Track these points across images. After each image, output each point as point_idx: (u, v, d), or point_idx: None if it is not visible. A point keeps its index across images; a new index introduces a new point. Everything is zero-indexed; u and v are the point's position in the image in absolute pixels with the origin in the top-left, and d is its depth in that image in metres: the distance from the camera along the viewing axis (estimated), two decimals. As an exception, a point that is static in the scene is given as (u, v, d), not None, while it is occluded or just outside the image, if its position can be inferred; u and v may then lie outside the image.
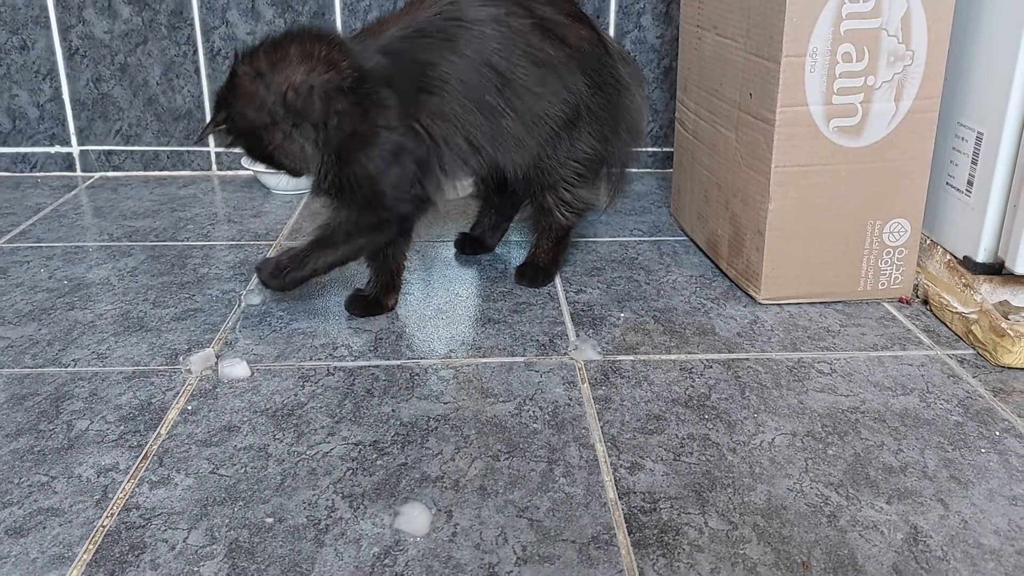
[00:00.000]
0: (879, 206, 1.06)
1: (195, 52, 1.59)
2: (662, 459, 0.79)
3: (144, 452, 0.80)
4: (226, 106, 0.95)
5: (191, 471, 0.77)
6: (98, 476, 0.76)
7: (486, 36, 1.00)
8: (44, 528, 0.70)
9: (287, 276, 1.00)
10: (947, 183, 1.09)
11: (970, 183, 1.05)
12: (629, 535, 0.69)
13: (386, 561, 0.66)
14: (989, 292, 1.02)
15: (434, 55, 0.99)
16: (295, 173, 0.99)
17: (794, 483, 0.75)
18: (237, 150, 1.02)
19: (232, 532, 0.69)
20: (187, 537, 0.69)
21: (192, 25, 1.58)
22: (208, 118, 1.63)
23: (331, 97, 0.93)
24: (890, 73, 1.00)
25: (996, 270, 1.02)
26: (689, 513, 0.71)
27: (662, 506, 0.72)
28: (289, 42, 0.95)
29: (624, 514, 0.71)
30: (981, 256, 1.03)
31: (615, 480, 0.76)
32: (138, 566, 0.66)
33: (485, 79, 1.00)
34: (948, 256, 1.09)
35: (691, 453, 0.79)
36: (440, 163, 1.01)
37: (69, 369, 0.94)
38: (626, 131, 1.16)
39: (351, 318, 1.06)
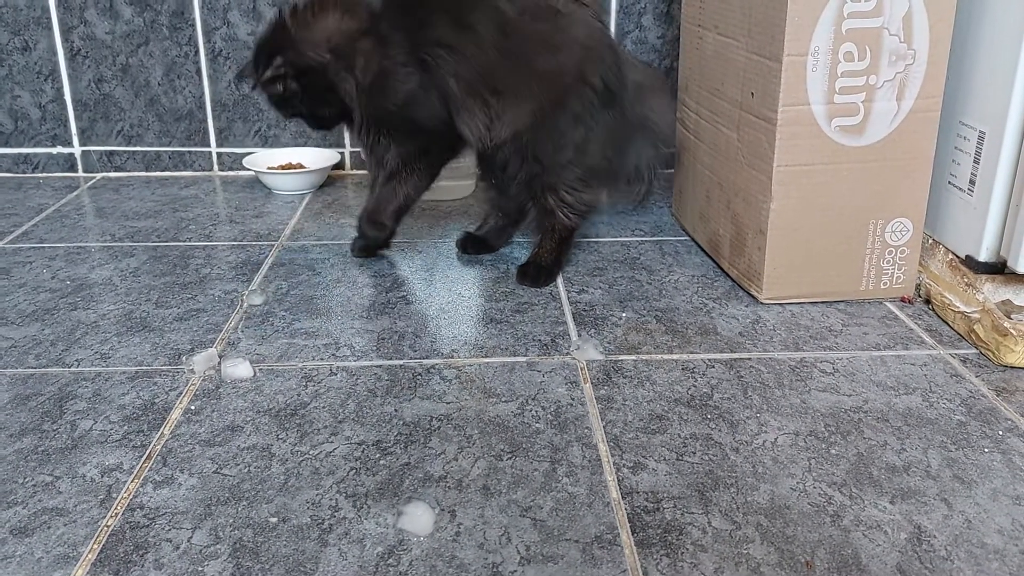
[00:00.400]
0: (881, 205, 1.06)
1: (196, 53, 1.59)
2: (665, 459, 0.79)
3: (148, 452, 0.80)
4: (280, 52, 1.04)
5: (195, 471, 0.77)
6: (102, 476, 0.76)
7: None
8: (49, 528, 0.70)
9: (384, 220, 1.15)
10: (949, 182, 1.09)
11: (972, 182, 1.05)
12: (632, 535, 0.69)
13: (390, 561, 0.66)
14: (991, 291, 1.02)
15: None
16: (336, 119, 1.11)
17: (797, 483, 0.75)
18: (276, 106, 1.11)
19: (236, 532, 0.69)
20: (191, 537, 0.69)
21: (193, 26, 1.58)
22: (210, 117, 1.63)
23: (356, 40, 1.04)
24: (892, 72, 1.00)
25: (998, 269, 1.02)
26: (692, 513, 0.71)
27: (665, 506, 0.72)
28: (324, 3, 1.07)
29: (627, 514, 0.71)
30: (983, 255, 1.03)
31: (618, 480, 0.76)
32: (142, 566, 0.66)
33: (483, 18, 1.05)
34: (950, 255, 1.09)
35: (694, 453, 0.80)
36: (454, 94, 1.06)
37: (72, 369, 0.94)
38: (647, 136, 1.18)
39: (353, 318, 1.06)
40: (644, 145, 1.19)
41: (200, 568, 0.65)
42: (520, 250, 1.28)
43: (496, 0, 1.05)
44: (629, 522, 0.70)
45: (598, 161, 1.13)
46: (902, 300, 1.11)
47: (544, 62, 1.06)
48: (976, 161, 1.04)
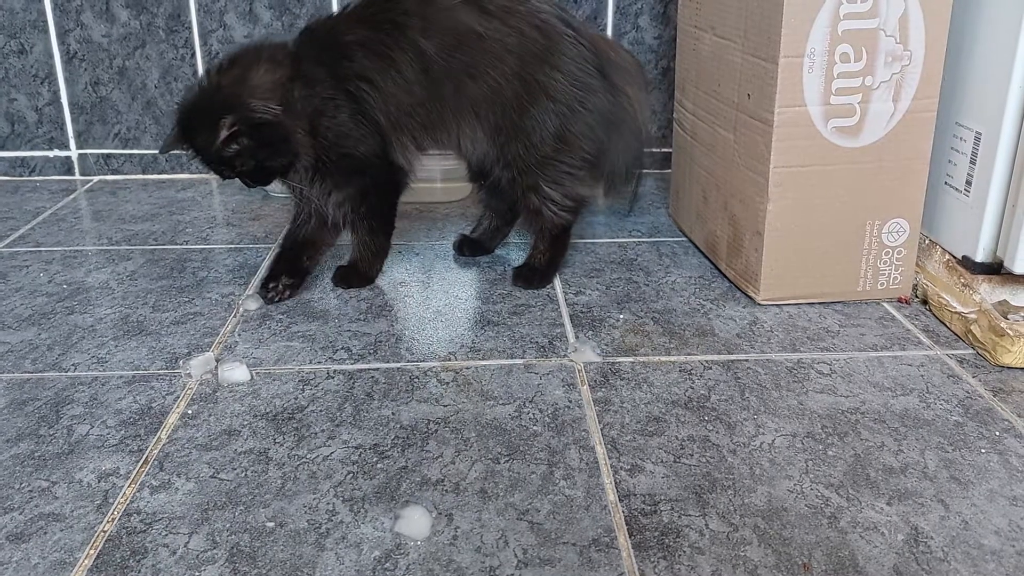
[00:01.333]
0: (878, 206, 1.06)
1: (193, 55, 1.59)
2: (662, 461, 0.79)
3: (145, 457, 0.80)
4: (225, 111, 0.99)
5: (192, 475, 0.77)
6: (99, 481, 0.76)
7: (406, 12, 1.06)
8: (45, 533, 0.70)
9: (369, 271, 1.17)
10: (946, 183, 1.09)
11: (968, 183, 1.05)
12: (630, 537, 0.69)
13: (387, 565, 0.66)
14: (988, 292, 1.02)
15: (345, 27, 1.07)
16: (283, 171, 1.06)
17: (794, 484, 0.75)
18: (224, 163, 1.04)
19: (233, 536, 0.69)
20: (188, 542, 0.69)
21: (190, 28, 1.58)
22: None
23: (291, 88, 1.03)
24: (888, 73, 1.00)
25: (995, 270, 1.02)
26: (690, 515, 0.71)
27: (663, 508, 0.72)
28: (245, 53, 1.06)
29: (625, 516, 0.71)
30: (980, 256, 1.03)
31: (615, 482, 0.76)
32: (139, 571, 0.66)
33: (403, 56, 1.05)
34: (947, 256, 1.09)
35: (691, 455, 0.80)
36: (382, 126, 1.07)
37: (69, 374, 0.94)
38: (627, 130, 1.15)
39: (350, 321, 1.06)
40: (624, 138, 1.15)
41: (197, 573, 0.65)
42: (517, 252, 1.28)
43: (417, 40, 1.04)
44: (626, 525, 0.70)
45: (586, 145, 1.10)
46: (899, 301, 1.11)
47: (475, 89, 1.06)
48: (972, 162, 1.04)
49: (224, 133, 0.99)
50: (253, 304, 1.10)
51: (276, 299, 1.11)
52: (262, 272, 1.19)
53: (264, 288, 1.12)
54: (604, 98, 1.10)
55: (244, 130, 1.00)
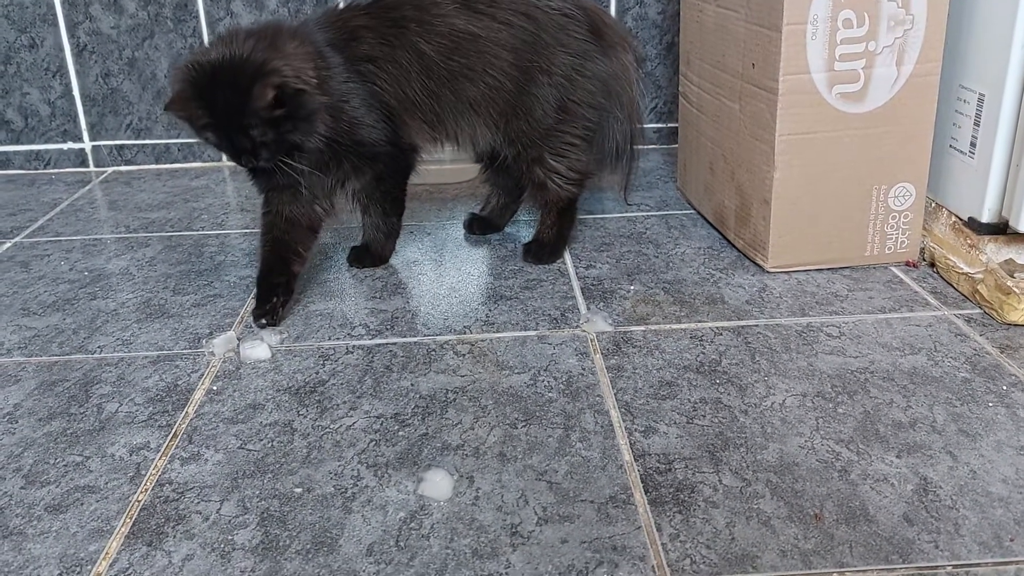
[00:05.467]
0: (884, 171, 1.07)
1: (201, 44, 1.61)
2: (675, 422, 0.81)
3: (174, 431, 0.82)
4: (269, 73, 0.94)
5: (220, 447, 0.79)
6: (130, 454, 0.79)
7: (404, 16, 1.06)
8: (82, 504, 0.72)
9: (383, 252, 1.19)
10: (950, 145, 1.10)
11: (973, 145, 1.06)
12: (646, 494, 0.71)
13: (412, 525, 0.69)
14: (994, 252, 1.03)
15: (350, 15, 1.08)
16: (306, 141, 1.00)
17: (805, 441, 0.77)
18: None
19: (263, 502, 0.72)
20: (220, 508, 0.71)
21: (197, 17, 1.59)
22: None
23: (316, 64, 1.01)
24: (891, 38, 1.01)
25: (1001, 230, 1.04)
26: (703, 472, 0.73)
27: (677, 466, 0.74)
28: (265, 28, 1.01)
29: (640, 475, 0.73)
30: (986, 216, 1.04)
31: (630, 443, 0.78)
32: (174, 536, 0.68)
33: (405, 49, 1.06)
34: (953, 218, 1.10)
35: (704, 416, 0.81)
36: (393, 106, 1.07)
37: (96, 355, 0.97)
38: (623, 102, 1.15)
39: (367, 298, 1.08)
40: (619, 108, 1.15)
41: (230, 537, 0.68)
42: (527, 229, 1.30)
43: (417, 42, 1.05)
44: (642, 482, 0.72)
45: (588, 112, 1.12)
46: (907, 264, 1.12)
47: (473, 89, 1.07)
48: (976, 124, 1.05)
49: (271, 94, 0.93)
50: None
51: (276, 321, 1.02)
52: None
53: (266, 313, 1.02)
54: (601, 62, 1.11)
55: (281, 97, 0.94)
